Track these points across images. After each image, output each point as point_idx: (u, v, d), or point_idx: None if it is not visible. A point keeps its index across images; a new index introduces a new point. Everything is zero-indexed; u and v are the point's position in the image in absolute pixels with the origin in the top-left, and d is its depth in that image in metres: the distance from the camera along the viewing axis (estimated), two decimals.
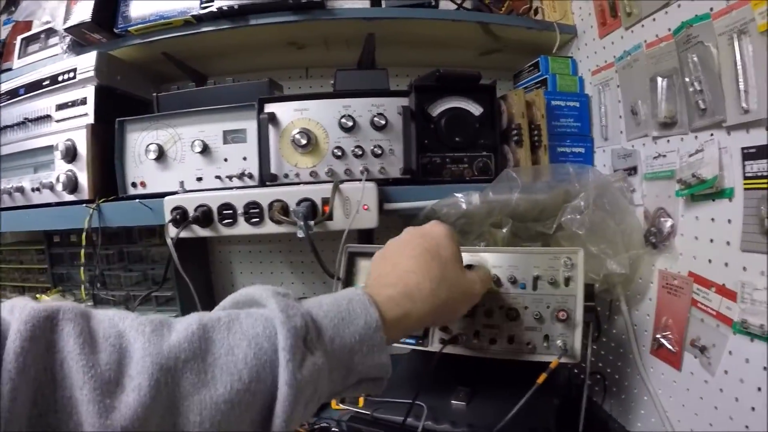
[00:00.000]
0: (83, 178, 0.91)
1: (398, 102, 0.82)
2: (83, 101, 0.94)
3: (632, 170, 0.83)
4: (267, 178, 0.82)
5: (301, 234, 0.75)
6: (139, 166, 0.90)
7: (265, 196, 0.79)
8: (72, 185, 0.92)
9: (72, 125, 0.95)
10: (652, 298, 0.77)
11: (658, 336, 0.75)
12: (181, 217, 0.79)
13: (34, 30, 1.15)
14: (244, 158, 0.86)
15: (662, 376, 0.75)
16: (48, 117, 0.99)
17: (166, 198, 0.81)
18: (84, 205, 0.88)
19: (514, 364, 0.66)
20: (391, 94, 0.83)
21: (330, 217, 0.77)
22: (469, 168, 0.85)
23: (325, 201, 0.77)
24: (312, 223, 0.75)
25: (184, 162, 0.88)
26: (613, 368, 0.90)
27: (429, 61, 1.02)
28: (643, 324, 0.79)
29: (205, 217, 0.81)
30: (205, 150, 0.86)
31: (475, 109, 0.87)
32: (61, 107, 0.97)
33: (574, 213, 0.79)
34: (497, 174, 0.83)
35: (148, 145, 0.88)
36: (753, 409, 0.57)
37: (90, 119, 0.93)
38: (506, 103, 0.90)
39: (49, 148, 0.96)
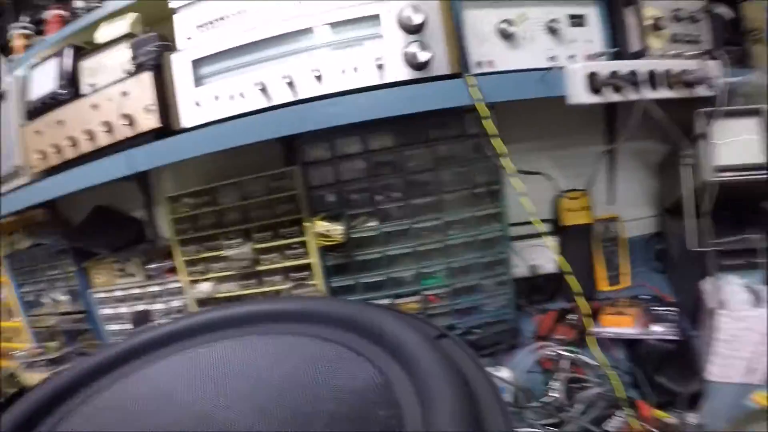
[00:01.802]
0: (437, 50, 0.89)
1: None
2: None
3: None
4: (627, 59, 0.95)
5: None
6: (485, 45, 0.93)
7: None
8: (418, 61, 0.89)
9: None
10: None
11: None
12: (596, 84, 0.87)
13: None
14: (590, 41, 0.96)
15: None
16: None
17: (574, 66, 0.88)
18: (462, 78, 0.88)
19: None
20: None
21: None
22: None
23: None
24: None
25: (534, 42, 0.94)
26: None
27: None
28: None
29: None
30: (555, 31, 0.94)
31: (727, 14, 1.11)
32: None
33: None
34: (744, 66, 1.11)
35: (499, 23, 0.92)
36: None
37: None
38: (744, 12, 1.16)
39: (367, 20, 0.90)
